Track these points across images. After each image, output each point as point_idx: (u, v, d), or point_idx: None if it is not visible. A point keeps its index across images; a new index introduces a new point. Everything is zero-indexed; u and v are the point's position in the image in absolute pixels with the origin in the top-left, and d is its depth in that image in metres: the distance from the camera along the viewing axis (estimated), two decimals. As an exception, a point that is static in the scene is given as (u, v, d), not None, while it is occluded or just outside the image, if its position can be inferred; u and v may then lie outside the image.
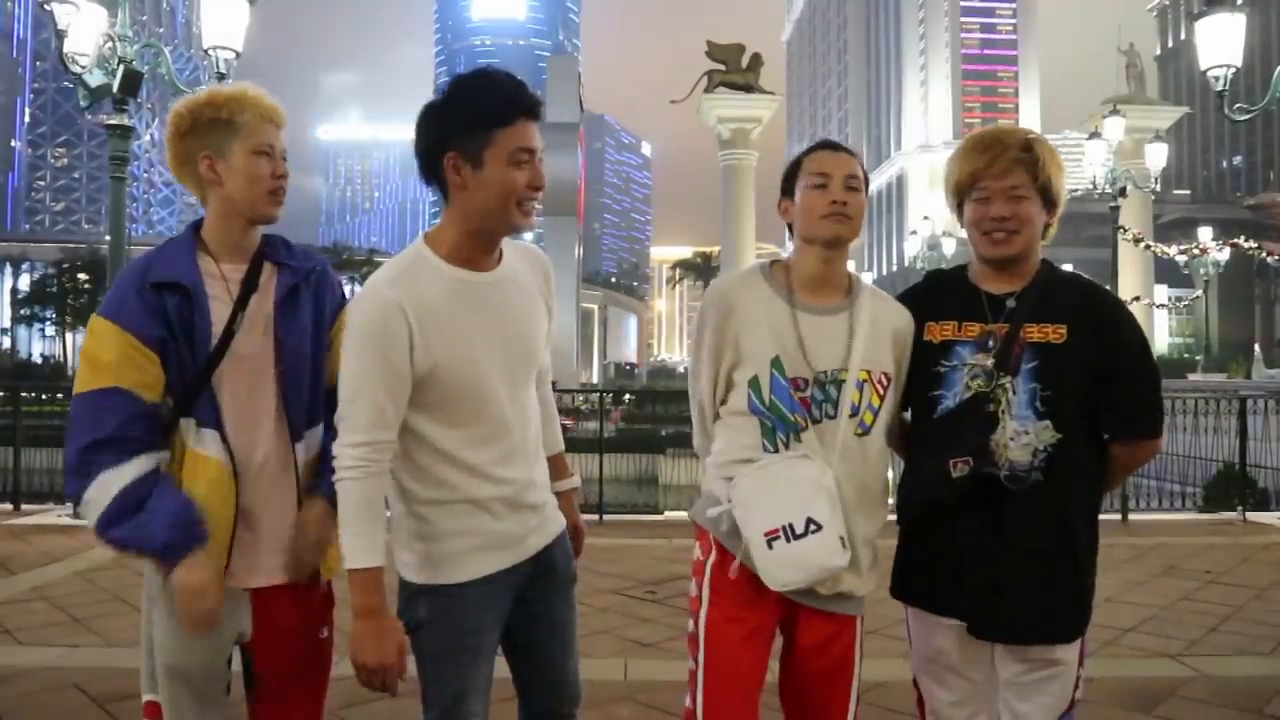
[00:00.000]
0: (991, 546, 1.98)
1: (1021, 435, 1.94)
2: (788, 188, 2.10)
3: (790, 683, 2.09)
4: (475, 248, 1.91)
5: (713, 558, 2.05)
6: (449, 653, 1.93)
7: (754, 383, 2.01)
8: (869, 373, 2.02)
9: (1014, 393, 1.95)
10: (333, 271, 2.12)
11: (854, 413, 2.00)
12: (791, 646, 2.08)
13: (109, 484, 1.79)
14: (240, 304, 1.91)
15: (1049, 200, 2.04)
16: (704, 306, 2.13)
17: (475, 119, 1.82)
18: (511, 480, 1.94)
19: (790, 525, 1.90)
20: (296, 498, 1.98)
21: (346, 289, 2.15)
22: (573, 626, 2.12)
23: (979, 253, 2.08)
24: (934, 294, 2.15)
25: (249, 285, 1.93)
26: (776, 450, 2.00)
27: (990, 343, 2.00)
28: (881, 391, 2.04)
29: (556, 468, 2.20)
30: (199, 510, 1.82)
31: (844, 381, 1.99)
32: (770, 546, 1.91)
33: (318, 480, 1.98)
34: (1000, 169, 2.01)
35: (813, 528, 1.90)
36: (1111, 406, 1.99)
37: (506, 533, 1.94)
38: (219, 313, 1.89)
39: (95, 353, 1.83)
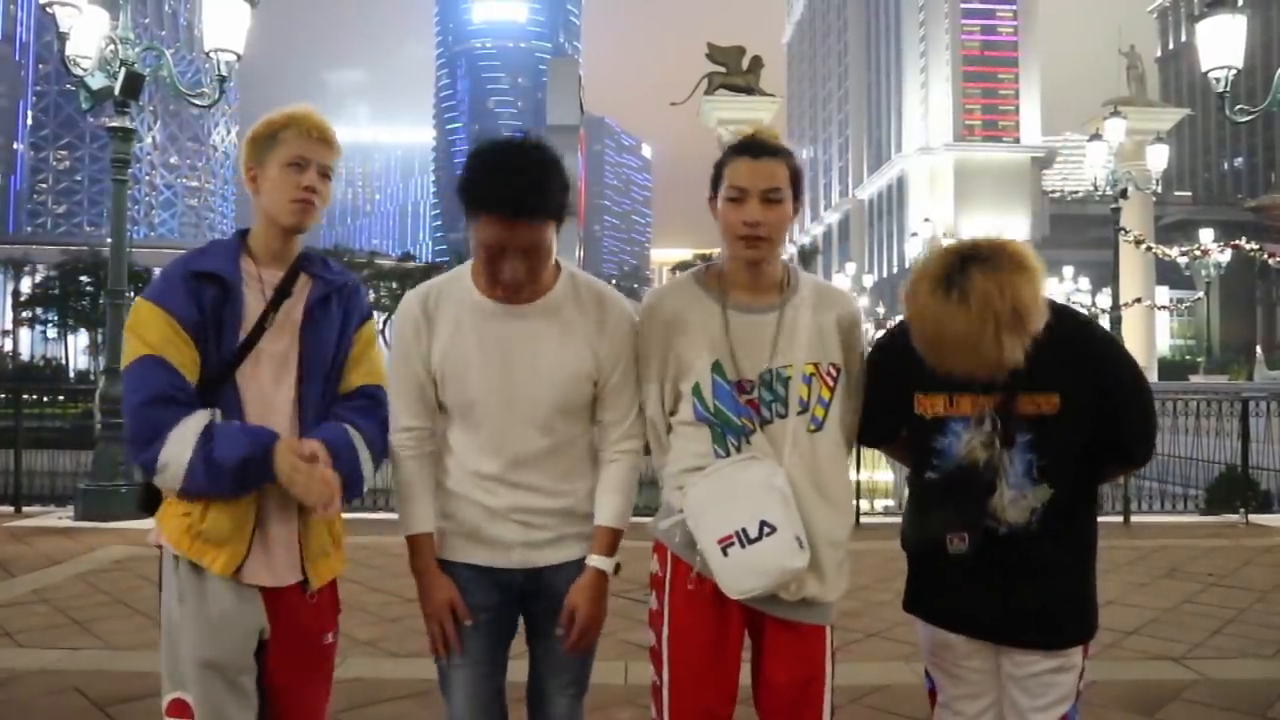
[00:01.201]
0: (991, 576, 1.98)
1: (1020, 499, 1.94)
2: (717, 185, 2.02)
3: (760, 694, 2.04)
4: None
5: (670, 571, 2.03)
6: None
7: (696, 390, 2.00)
8: (816, 366, 1.99)
9: (1010, 462, 1.94)
10: (363, 289, 2.21)
11: (804, 409, 1.98)
12: (759, 658, 2.04)
13: (182, 437, 1.83)
14: (273, 306, 2.00)
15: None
16: (641, 320, 2.09)
17: (460, 191, 1.91)
18: (501, 496, 2.03)
19: (744, 530, 1.87)
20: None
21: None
22: (567, 664, 2.12)
23: None
24: (917, 353, 1.93)
25: (283, 290, 2.02)
26: (728, 455, 1.98)
27: (987, 424, 1.93)
28: (831, 384, 2.02)
29: (596, 540, 2.07)
30: (248, 425, 1.92)
31: (790, 378, 1.97)
32: (725, 554, 1.88)
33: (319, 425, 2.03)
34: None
35: (767, 530, 1.86)
36: (1108, 443, 1.98)
37: (488, 533, 2.04)
38: (252, 309, 1.98)
39: (140, 332, 1.91)
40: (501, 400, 1.99)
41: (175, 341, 1.89)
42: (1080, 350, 1.95)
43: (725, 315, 2.00)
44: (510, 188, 1.84)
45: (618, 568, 2.07)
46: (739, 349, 1.98)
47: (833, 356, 2.03)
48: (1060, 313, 1.94)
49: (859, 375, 2.10)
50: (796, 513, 1.91)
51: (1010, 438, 1.93)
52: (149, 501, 2.00)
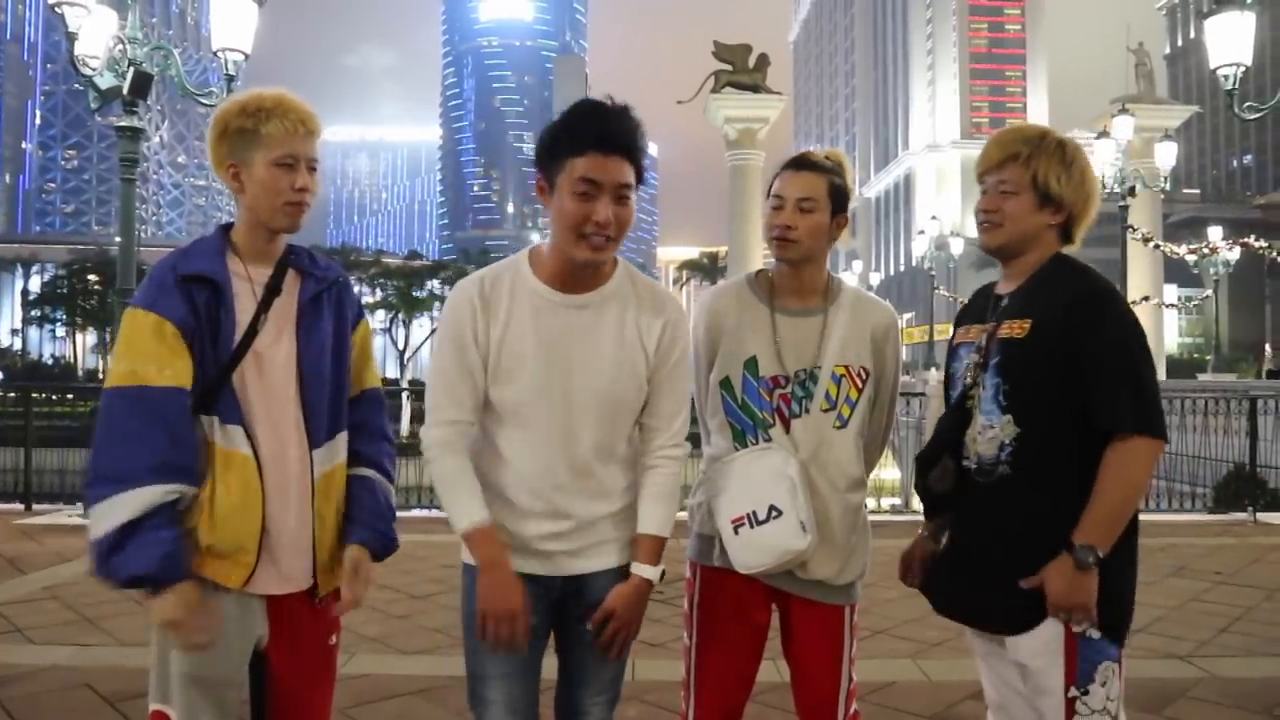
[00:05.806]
0: (959, 534, 2.05)
1: (988, 430, 1.96)
2: (768, 196, 2.22)
3: (791, 667, 2.22)
4: (560, 268, 1.94)
5: (698, 577, 2.23)
6: (468, 630, 1.99)
7: (725, 384, 2.14)
8: (846, 367, 2.13)
9: (984, 386, 1.98)
10: (351, 284, 2.14)
11: (831, 405, 2.11)
12: (787, 636, 2.21)
13: (118, 506, 1.74)
14: (264, 305, 1.92)
15: (1047, 199, 1.98)
16: (695, 318, 2.24)
17: (553, 142, 1.88)
18: (548, 500, 1.95)
19: (753, 513, 2.04)
20: (311, 507, 1.96)
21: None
22: (601, 675, 2.06)
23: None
24: (972, 301, 2.22)
25: (273, 288, 1.94)
26: (746, 448, 2.14)
27: (979, 343, 2.04)
28: (860, 385, 2.15)
29: (640, 548, 2.00)
30: (183, 548, 1.77)
31: (820, 377, 2.12)
32: (736, 533, 2.06)
33: (354, 526, 2.00)
34: (995, 165, 2.02)
35: (774, 514, 2.03)
36: (1086, 396, 1.89)
37: (526, 537, 1.96)
38: (244, 311, 1.90)
39: (136, 342, 1.81)
40: (557, 396, 1.93)
41: (175, 348, 1.81)
42: (1065, 292, 1.94)
43: (773, 317, 2.15)
44: (606, 126, 1.86)
45: (663, 574, 2.01)
46: (784, 348, 2.12)
47: (864, 360, 2.15)
48: (1068, 262, 2.03)
49: (891, 382, 2.23)
50: (805, 500, 2.04)
51: (986, 360, 1.99)
52: None
